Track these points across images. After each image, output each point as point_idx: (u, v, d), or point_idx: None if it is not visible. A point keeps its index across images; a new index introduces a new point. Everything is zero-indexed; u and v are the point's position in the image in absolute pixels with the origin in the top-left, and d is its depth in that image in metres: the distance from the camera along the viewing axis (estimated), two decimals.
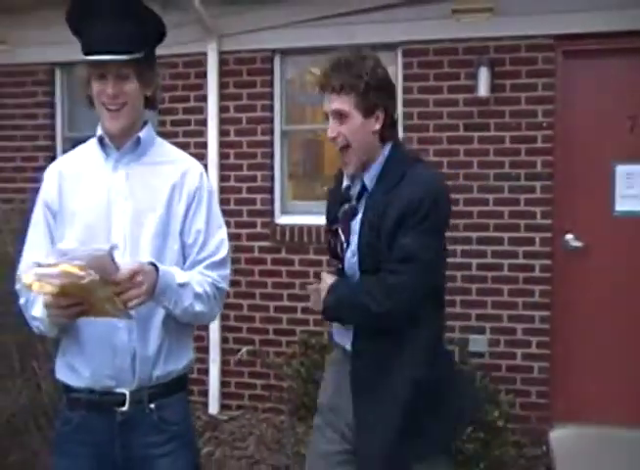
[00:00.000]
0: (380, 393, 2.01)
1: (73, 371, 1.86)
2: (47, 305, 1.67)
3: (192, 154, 2.05)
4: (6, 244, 3.54)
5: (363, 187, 2.10)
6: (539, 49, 4.24)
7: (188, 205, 1.90)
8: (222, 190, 4.68)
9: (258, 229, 4.75)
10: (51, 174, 1.95)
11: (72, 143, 5.06)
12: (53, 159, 5.08)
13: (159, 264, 1.75)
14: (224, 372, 4.78)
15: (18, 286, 1.90)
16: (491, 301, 4.30)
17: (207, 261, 1.90)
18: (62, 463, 1.90)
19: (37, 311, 1.80)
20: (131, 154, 1.91)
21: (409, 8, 4.38)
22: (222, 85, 4.76)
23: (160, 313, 1.84)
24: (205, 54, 4.74)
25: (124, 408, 1.83)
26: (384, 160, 2.09)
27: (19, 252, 1.96)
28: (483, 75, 4.21)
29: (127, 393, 1.83)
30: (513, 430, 3.73)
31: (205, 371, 4.72)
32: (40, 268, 1.58)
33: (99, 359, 1.82)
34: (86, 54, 1.82)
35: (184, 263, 1.90)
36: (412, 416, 1.99)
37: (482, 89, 4.22)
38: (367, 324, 2.04)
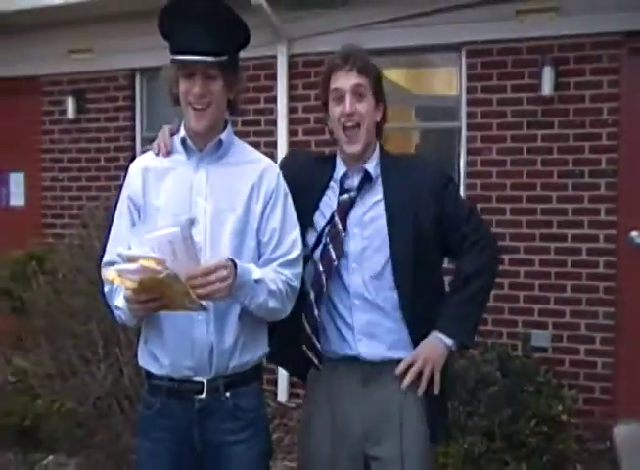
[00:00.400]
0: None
1: (155, 360, 1.89)
2: (127, 299, 1.69)
3: (262, 153, 2.05)
4: (92, 238, 3.62)
5: (365, 176, 2.03)
6: (604, 47, 4.09)
7: (265, 204, 1.90)
8: None
9: None
10: (136, 170, 1.96)
11: (151, 143, 5.22)
12: (133, 158, 5.18)
13: (237, 261, 1.75)
14: None
15: (102, 276, 1.95)
16: (554, 296, 4.17)
17: (281, 260, 1.89)
18: (145, 445, 1.94)
19: (119, 302, 1.83)
20: (212, 155, 1.92)
21: (473, 9, 4.29)
22: (291, 87, 4.77)
23: (237, 308, 1.84)
24: (274, 57, 4.77)
25: (202, 396, 1.85)
26: (379, 152, 2.08)
27: (104, 246, 1.98)
28: (547, 74, 4.10)
29: (205, 381, 1.85)
30: (576, 424, 3.62)
31: None
32: (120, 265, 1.61)
33: (178, 351, 1.84)
34: (176, 54, 1.83)
35: (259, 260, 1.90)
36: None
37: (546, 88, 4.11)
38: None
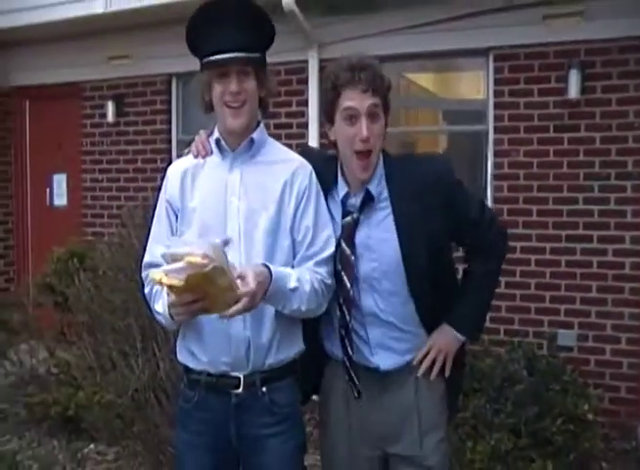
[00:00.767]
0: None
1: (192, 355, 1.89)
2: (172, 305, 1.69)
3: None
4: (131, 237, 3.65)
5: (367, 196, 1.90)
6: (630, 50, 4.00)
7: (298, 203, 1.87)
8: None
9: None
10: (174, 173, 1.96)
11: (186, 145, 5.27)
12: (169, 160, 5.28)
13: (272, 268, 1.74)
14: None
15: (143, 274, 1.94)
16: (580, 297, 4.10)
17: (317, 258, 1.87)
18: (183, 436, 1.94)
19: (159, 307, 1.83)
20: (245, 154, 1.91)
21: (501, 14, 4.24)
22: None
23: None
24: (306, 61, 4.76)
25: (239, 391, 1.84)
26: (382, 164, 1.94)
27: (143, 247, 1.99)
28: (574, 78, 4.03)
29: (241, 377, 1.84)
30: (602, 423, 3.55)
31: None
32: (167, 266, 1.59)
33: (216, 347, 1.83)
34: (209, 56, 1.83)
35: (294, 258, 1.88)
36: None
37: (573, 91, 4.03)
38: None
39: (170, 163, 2.09)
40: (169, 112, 5.47)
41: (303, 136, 4.80)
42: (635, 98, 4.00)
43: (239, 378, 1.84)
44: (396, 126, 4.81)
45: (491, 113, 4.35)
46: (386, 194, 1.92)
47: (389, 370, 1.96)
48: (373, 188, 1.91)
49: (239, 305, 1.63)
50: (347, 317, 1.93)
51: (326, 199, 1.95)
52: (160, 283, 1.57)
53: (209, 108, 1.91)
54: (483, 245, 2.00)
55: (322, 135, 4.76)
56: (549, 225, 4.16)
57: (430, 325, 1.99)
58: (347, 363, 1.97)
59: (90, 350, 3.55)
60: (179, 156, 2.06)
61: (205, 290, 1.62)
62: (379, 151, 1.91)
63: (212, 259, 1.53)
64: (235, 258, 1.71)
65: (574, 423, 3.21)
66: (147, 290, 1.93)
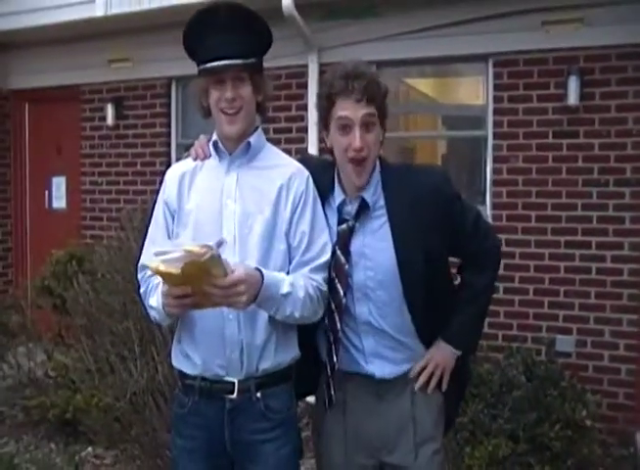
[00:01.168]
0: None
1: (188, 359, 1.89)
2: (165, 294, 1.69)
3: None
4: (130, 240, 3.65)
5: (363, 204, 1.90)
6: (629, 57, 4.02)
7: (294, 208, 1.87)
8: None
9: None
10: (172, 176, 1.97)
11: (185, 149, 5.28)
12: (168, 163, 5.28)
13: (265, 272, 1.73)
14: None
15: (139, 275, 1.95)
16: (579, 303, 4.10)
17: (312, 264, 1.86)
18: (178, 442, 1.94)
19: (154, 301, 1.84)
20: (242, 158, 1.91)
21: (500, 20, 4.26)
22: None
23: None
24: (305, 66, 4.77)
25: (233, 396, 1.84)
26: (379, 171, 1.93)
27: (141, 247, 2.00)
28: (573, 84, 4.04)
29: (236, 382, 1.83)
30: (600, 429, 3.55)
31: None
32: (164, 255, 1.59)
33: (210, 349, 1.83)
34: (205, 63, 1.84)
35: (289, 264, 1.88)
36: None
37: (572, 98, 4.05)
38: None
39: (169, 166, 2.09)
40: (169, 115, 5.48)
41: (303, 140, 4.81)
42: (634, 105, 4.01)
43: (233, 383, 1.84)
44: (396, 131, 4.83)
45: (490, 118, 4.36)
46: (382, 202, 1.91)
47: (385, 378, 1.95)
48: (368, 196, 1.90)
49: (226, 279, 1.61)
50: (338, 324, 1.91)
51: (323, 206, 1.94)
52: (157, 271, 1.57)
53: (207, 113, 1.93)
54: (478, 257, 1.99)
55: (321, 140, 4.74)
56: (548, 231, 4.17)
57: (426, 337, 1.97)
58: (329, 369, 1.96)
59: (88, 353, 3.54)
60: (179, 159, 2.07)
61: (200, 281, 1.61)
62: (374, 158, 1.90)
63: (210, 249, 1.55)
64: (229, 260, 1.70)
65: (572, 429, 3.22)
66: (142, 289, 1.93)
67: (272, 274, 1.77)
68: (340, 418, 2.00)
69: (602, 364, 4.05)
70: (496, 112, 4.34)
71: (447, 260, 2.00)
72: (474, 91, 4.62)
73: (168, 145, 5.49)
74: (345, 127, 1.82)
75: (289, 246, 1.87)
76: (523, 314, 4.21)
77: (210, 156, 1.95)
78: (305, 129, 4.80)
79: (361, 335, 1.94)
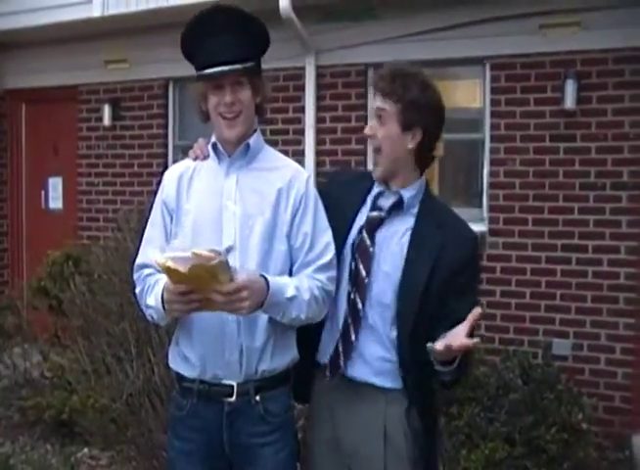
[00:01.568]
0: None
1: (186, 361, 1.88)
2: (168, 291, 1.69)
3: None
4: (126, 241, 3.65)
5: (400, 201, 1.94)
6: (626, 61, 4.03)
7: (295, 209, 1.88)
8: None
9: None
10: (171, 176, 1.97)
11: (182, 150, 5.29)
12: (165, 165, 5.28)
13: (270, 279, 1.73)
14: None
15: (135, 275, 1.95)
16: (575, 306, 4.11)
17: (316, 264, 1.86)
18: (176, 444, 1.93)
19: (151, 301, 1.83)
20: (241, 160, 1.91)
21: (498, 24, 4.26)
22: (319, 97, 4.78)
23: None
24: (303, 68, 4.78)
25: (232, 399, 1.84)
26: (423, 187, 1.97)
27: (137, 249, 1.99)
28: (570, 88, 4.05)
29: (234, 384, 1.83)
30: (596, 433, 3.56)
31: None
32: (172, 253, 1.60)
33: (209, 351, 1.83)
34: (203, 69, 1.84)
35: (291, 265, 1.88)
36: None
37: (569, 101, 4.06)
38: None
39: (166, 167, 2.10)
40: (166, 116, 5.47)
41: (300, 142, 4.81)
42: (631, 109, 4.02)
43: (232, 386, 1.83)
44: None
45: (488, 121, 4.37)
46: (415, 211, 1.95)
47: (358, 382, 1.92)
48: (406, 195, 1.94)
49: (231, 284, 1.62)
50: (359, 304, 1.91)
51: (356, 211, 1.98)
52: (165, 267, 1.57)
53: (207, 117, 1.93)
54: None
55: (318, 142, 4.78)
56: (545, 234, 4.18)
57: (403, 358, 1.89)
58: (340, 340, 1.93)
59: (84, 353, 3.54)
60: (176, 161, 2.07)
61: (204, 284, 1.62)
62: (391, 153, 1.92)
63: (219, 254, 1.55)
64: (230, 261, 1.71)
65: (569, 432, 3.23)
66: (138, 289, 1.92)
67: (276, 280, 1.77)
68: (328, 422, 1.99)
69: (598, 368, 4.05)
70: (493, 115, 4.34)
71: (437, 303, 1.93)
72: (471, 94, 4.63)
73: (165, 146, 5.48)
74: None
75: (290, 247, 1.88)
76: (519, 317, 4.21)
77: (209, 156, 1.96)
78: (302, 131, 4.80)
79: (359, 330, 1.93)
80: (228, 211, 1.86)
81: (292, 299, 1.78)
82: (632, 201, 4.02)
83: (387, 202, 1.96)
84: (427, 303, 1.86)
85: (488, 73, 4.38)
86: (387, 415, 1.91)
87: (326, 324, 1.98)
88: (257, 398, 1.85)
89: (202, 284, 1.62)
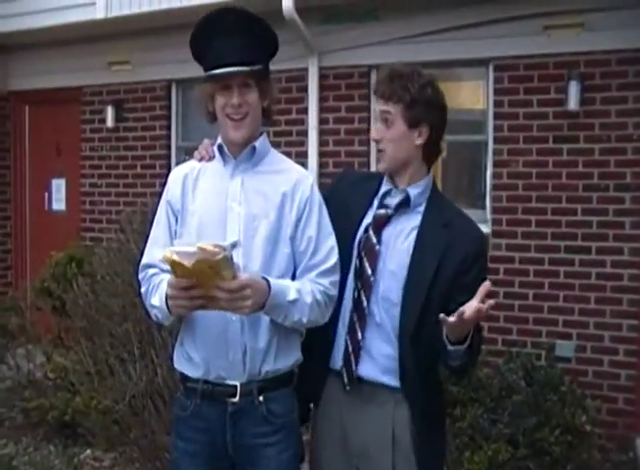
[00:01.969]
0: None
1: (190, 361, 1.89)
2: (171, 286, 1.68)
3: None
4: (129, 242, 3.66)
5: (406, 199, 1.96)
6: (630, 62, 4.03)
7: (299, 213, 1.88)
8: None
9: None
10: (176, 176, 1.98)
11: (185, 151, 5.30)
12: (168, 166, 5.29)
13: (272, 281, 1.74)
14: None
15: (140, 275, 1.95)
16: (578, 308, 4.11)
17: (319, 269, 1.87)
18: (179, 444, 1.94)
19: (156, 301, 1.83)
20: (247, 162, 1.92)
21: (501, 25, 4.26)
22: (322, 99, 4.78)
23: None
24: (306, 70, 4.78)
25: (235, 399, 1.84)
26: (430, 184, 2.00)
27: (141, 250, 2.00)
28: (573, 89, 4.05)
29: (238, 385, 1.84)
30: (599, 435, 3.56)
31: None
32: (178, 247, 1.61)
33: (213, 351, 1.83)
34: (211, 69, 1.84)
35: (295, 268, 1.89)
36: None
37: (572, 102, 4.05)
38: None
39: (169, 168, 2.10)
40: (169, 118, 5.49)
41: (303, 144, 4.82)
42: (634, 110, 4.02)
43: (235, 386, 1.84)
44: None
45: (491, 123, 4.37)
46: (422, 209, 1.97)
47: (368, 381, 1.93)
48: (413, 193, 1.96)
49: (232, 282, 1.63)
50: (365, 302, 1.92)
51: (366, 213, 1.99)
52: (170, 260, 1.58)
53: (213, 118, 1.93)
54: None
55: (321, 143, 4.78)
56: (548, 236, 4.17)
57: (404, 356, 1.90)
58: (349, 340, 1.94)
59: (87, 355, 3.55)
60: (179, 162, 2.07)
61: (207, 280, 1.62)
62: (396, 154, 1.95)
63: (224, 250, 1.56)
64: (234, 258, 1.70)
65: (572, 434, 3.23)
66: (143, 289, 1.93)
67: (278, 282, 1.78)
68: (336, 421, 1.99)
69: (602, 369, 4.05)
70: (496, 116, 4.34)
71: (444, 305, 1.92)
72: (474, 95, 4.63)
73: (168, 148, 5.49)
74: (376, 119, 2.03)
75: (294, 251, 1.88)
76: (522, 319, 4.21)
77: (214, 157, 1.97)
78: (305, 133, 4.80)
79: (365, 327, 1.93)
80: (233, 212, 1.86)
81: (294, 302, 1.78)
82: (636, 202, 4.01)
83: (393, 200, 1.98)
84: (432, 300, 1.87)
85: (491, 75, 4.38)
86: (395, 416, 1.92)
87: (338, 330, 1.98)
88: (261, 398, 1.85)
89: (205, 280, 1.63)
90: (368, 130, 4.68)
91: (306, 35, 4.55)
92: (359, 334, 1.93)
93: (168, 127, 5.48)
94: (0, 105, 6.25)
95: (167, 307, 1.77)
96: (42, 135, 6.19)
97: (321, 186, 2.06)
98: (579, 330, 4.10)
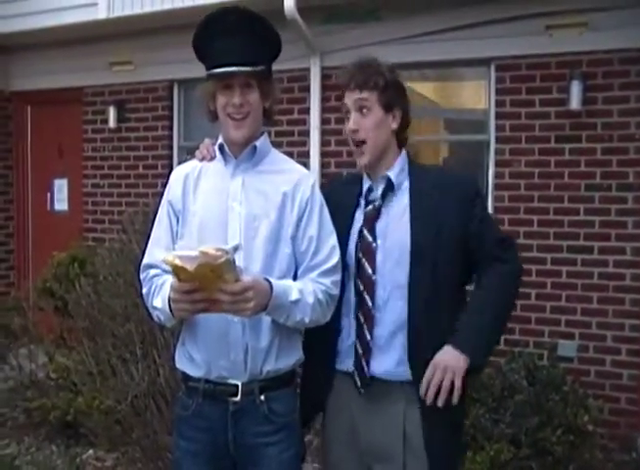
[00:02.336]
0: None
1: (191, 361, 1.90)
2: (174, 290, 1.69)
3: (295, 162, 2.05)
4: (131, 242, 3.67)
5: (389, 184, 1.98)
6: (632, 62, 4.03)
7: (300, 214, 1.89)
8: None
9: None
10: (177, 176, 1.98)
11: (187, 151, 5.31)
12: (171, 166, 5.30)
13: (274, 282, 1.75)
14: None
15: (142, 275, 1.96)
16: (581, 308, 4.11)
17: (321, 269, 1.87)
18: (181, 444, 1.94)
19: (158, 302, 1.84)
20: (247, 162, 1.93)
21: (503, 25, 4.27)
22: (324, 99, 4.78)
23: None
24: (308, 69, 4.79)
25: (237, 399, 1.85)
26: (405, 159, 2.03)
27: (143, 250, 2.00)
28: (575, 89, 4.05)
29: (240, 384, 1.84)
30: (602, 434, 3.56)
31: None
32: (180, 251, 1.62)
33: (214, 351, 1.84)
34: (214, 68, 1.85)
35: (296, 268, 1.89)
36: None
37: (574, 102, 4.05)
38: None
39: (171, 168, 2.11)
40: (171, 118, 5.49)
41: (305, 144, 4.82)
42: (636, 109, 4.02)
43: (237, 386, 1.84)
44: None
45: (493, 122, 4.37)
46: (406, 184, 2.00)
47: (380, 378, 1.93)
48: (394, 176, 1.99)
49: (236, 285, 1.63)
50: (369, 303, 1.93)
51: (353, 213, 2.01)
52: (172, 264, 1.59)
53: (214, 117, 1.94)
54: (493, 263, 1.95)
55: (323, 143, 4.78)
56: (550, 236, 4.17)
57: (413, 340, 1.90)
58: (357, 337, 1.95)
59: (90, 355, 3.55)
60: (181, 162, 2.08)
61: (210, 284, 1.63)
62: (377, 141, 1.97)
63: (226, 253, 1.57)
64: (236, 260, 1.72)
65: (574, 434, 3.22)
66: (145, 290, 1.94)
67: (280, 283, 1.78)
68: (346, 418, 2.00)
69: (604, 369, 4.05)
70: (498, 116, 4.34)
71: (460, 268, 1.96)
72: (476, 95, 4.64)
73: (170, 148, 5.50)
74: (347, 113, 2.01)
75: (295, 250, 1.89)
76: (524, 319, 4.20)
77: (215, 157, 1.97)
78: (307, 133, 4.81)
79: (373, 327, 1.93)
80: (234, 212, 1.87)
81: (296, 302, 1.79)
82: (638, 202, 4.01)
83: (377, 192, 2.01)
84: (440, 267, 1.89)
85: (493, 74, 4.38)
86: (406, 415, 1.92)
87: (343, 330, 1.99)
88: (262, 397, 1.86)
89: (207, 283, 1.63)
90: None
91: (308, 35, 4.56)
92: (367, 335, 1.93)
93: (170, 127, 5.49)
94: (2, 105, 6.26)
95: (170, 310, 1.77)
96: (44, 136, 6.20)
97: (322, 186, 2.06)
98: (582, 330, 4.10)
